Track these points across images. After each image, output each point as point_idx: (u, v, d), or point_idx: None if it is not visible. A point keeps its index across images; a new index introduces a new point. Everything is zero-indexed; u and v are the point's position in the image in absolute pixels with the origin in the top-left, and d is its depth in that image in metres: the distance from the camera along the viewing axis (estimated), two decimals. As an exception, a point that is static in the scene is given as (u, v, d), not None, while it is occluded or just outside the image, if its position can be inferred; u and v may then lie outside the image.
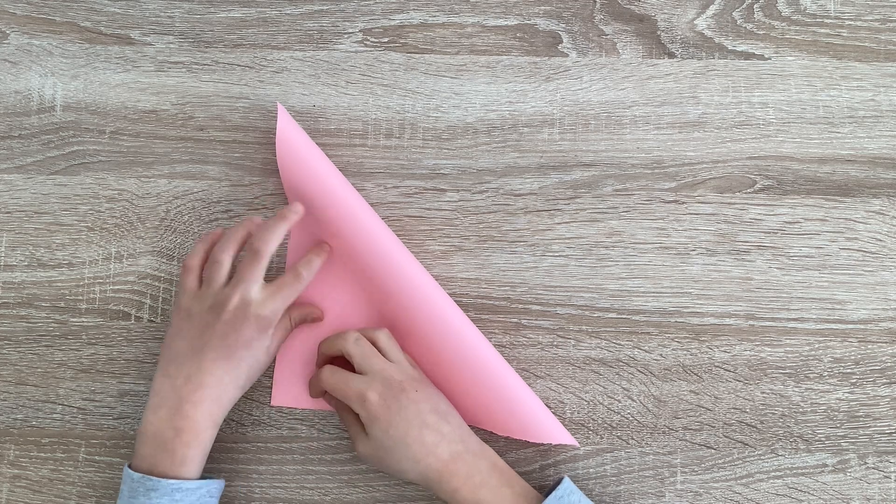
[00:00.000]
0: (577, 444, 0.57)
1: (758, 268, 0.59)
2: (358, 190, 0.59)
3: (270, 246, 0.52)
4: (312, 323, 0.58)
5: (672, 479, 0.57)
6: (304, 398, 0.57)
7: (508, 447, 0.57)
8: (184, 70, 0.62)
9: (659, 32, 0.62)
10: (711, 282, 0.59)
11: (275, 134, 0.60)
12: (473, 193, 0.60)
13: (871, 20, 0.62)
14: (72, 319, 0.59)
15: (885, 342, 0.58)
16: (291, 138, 0.57)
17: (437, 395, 0.54)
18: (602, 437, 0.57)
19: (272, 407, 0.58)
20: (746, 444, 0.57)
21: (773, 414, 0.58)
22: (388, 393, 0.51)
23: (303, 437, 0.57)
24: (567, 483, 0.52)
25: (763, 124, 0.61)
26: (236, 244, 0.54)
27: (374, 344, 0.55)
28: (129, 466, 0.50)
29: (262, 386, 0.58)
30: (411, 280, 0.56)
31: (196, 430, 0.50)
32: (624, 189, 0.60)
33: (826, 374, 0.58)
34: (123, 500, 0.50)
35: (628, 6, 0.63)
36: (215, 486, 0.51)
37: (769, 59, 0.62)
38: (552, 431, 0.55)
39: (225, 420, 0.55)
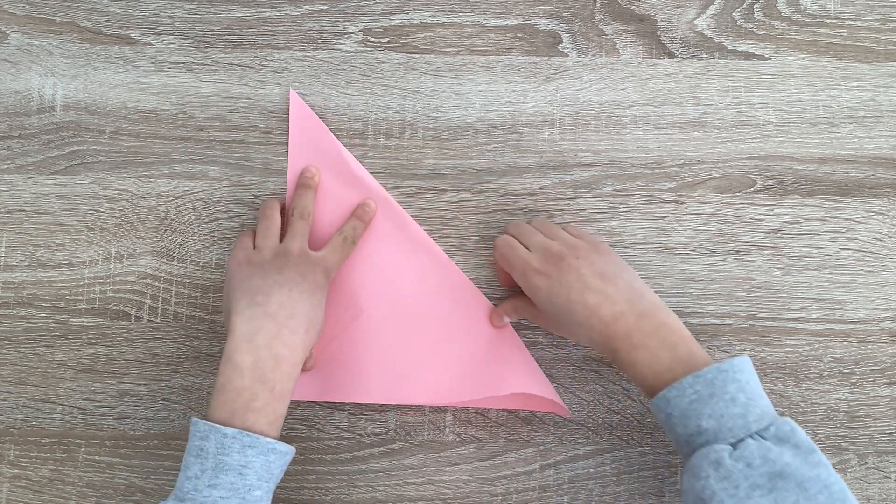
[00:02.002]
0: (569, 414, 0.56)
1: (758, 268, 0.59)
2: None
3: (310, 208, 0.57)
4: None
5: (672, 479, 0.57)
6: (305, 391, 0.57)
7: (508, 447, 0.57)
8: (184, 70, 0.62)
9: (659, 32, 0.62)
10: (711, 282, 0.59)
11: (275, 133, 0.60)
12: (473, 193, 0.60)
13: (871, 20, 0.62)
14: (72, 319, 0.59)
15: (885, 342, 0.58)
16: (306, 117, 0.60)
17: (602, 259, 0.52)
18: (602, 437, 0.57)
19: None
20: (746, 444, 0.57)
21: (773, 414, 0.58)
22: (547, 263, 0.51)
23: (303, 437, 0.57)
24: (742, 361, 0.46)
25: (763, 124, 0.61)
26: (279, 208, 0.57)
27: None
28: (212, 410, 0.47)
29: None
30: (425, 245, 0.58)
31: (294, 360, 0.49)
32: (624, 189, 0.60)
33: (826, 374, 0.58)
34: (207, 458, 0.45)
35: (628, 6, 0.63)
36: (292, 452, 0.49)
37: (769, 59, 0.62)
38: (550, 393, 0.56)
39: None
